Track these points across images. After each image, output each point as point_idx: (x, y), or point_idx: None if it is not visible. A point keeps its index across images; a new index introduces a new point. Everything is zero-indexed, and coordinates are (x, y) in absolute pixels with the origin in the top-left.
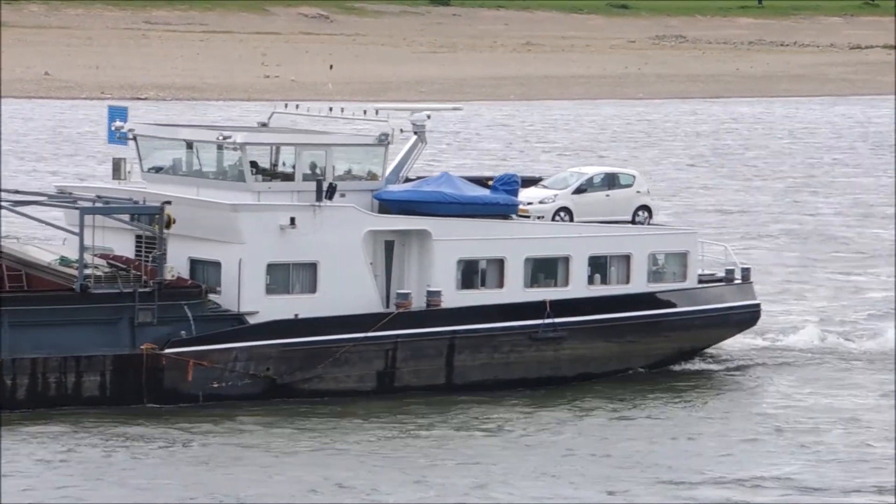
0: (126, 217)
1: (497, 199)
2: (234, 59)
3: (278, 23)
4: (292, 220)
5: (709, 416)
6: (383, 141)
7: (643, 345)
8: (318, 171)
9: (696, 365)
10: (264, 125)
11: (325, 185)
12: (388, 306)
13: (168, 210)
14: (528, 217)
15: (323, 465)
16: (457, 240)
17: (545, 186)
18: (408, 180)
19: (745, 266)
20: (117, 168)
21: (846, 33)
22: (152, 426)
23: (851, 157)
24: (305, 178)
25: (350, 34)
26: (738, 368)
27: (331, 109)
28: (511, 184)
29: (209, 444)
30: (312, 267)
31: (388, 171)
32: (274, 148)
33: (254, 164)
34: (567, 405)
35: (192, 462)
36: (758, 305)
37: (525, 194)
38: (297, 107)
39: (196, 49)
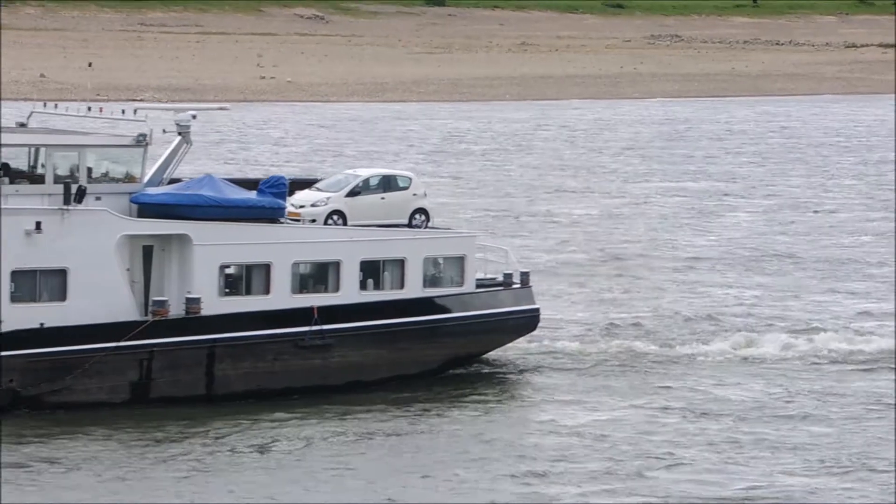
0: None
1: (262, 203)
2: (230, 60)
3: (274, 24)
4: (38, 225)
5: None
6: (141, 142)
7: (417, 351)
8: (59, 172)
9: (472, 370)
10: (23, 125)
11: (74, 188)
12: (146, 314)
13: None
14: (300, 220)
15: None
16: (219, 244)
17: (319, 189)
18: (172, 182)
19: (525, 270)
20: None
21: (841, 32)
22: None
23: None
24: (57, 180)
25: (346, 35)
26: (513, 375)
27: (89, 109)
28: (278, 186)
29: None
30: (62, 273)
31: (150, 173)
32: (33, 150)
33: (5, 165)
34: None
35: None
36: (537, 310)
37: (297, 197)
38: (56, 106)
39: (192, 50)
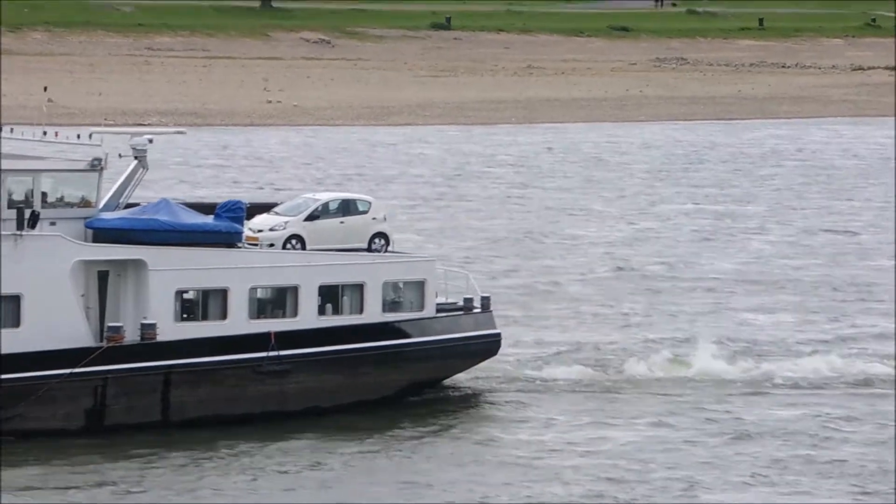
0: None
1: (218, 227)
2: (237, 84)
3: (280, 48)
4: None
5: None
6: (96, 166)
7: (377, 376)
8: (14, 196)
9: (432, 396)
10: None
11: (27, 213)
12: (101, 340)
13: None
14: (258, 245)
15: None
16: (174, 269)
17: (277, 213)
18: (128, 206)
19: (485, 295)
20: None
21: (848, 55)
22: None
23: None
24: (11, 205)
25: (351, 59)
26: (473, 400)
27: (45, 133)
28: (235, 210)
29: None
30: (15, 300)
31: (106, 198)
32: (1, 175)
33: None
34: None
35: None
36: (498, 335)
37: (256, 221)
38: (12, 130)
39: (198, 75)
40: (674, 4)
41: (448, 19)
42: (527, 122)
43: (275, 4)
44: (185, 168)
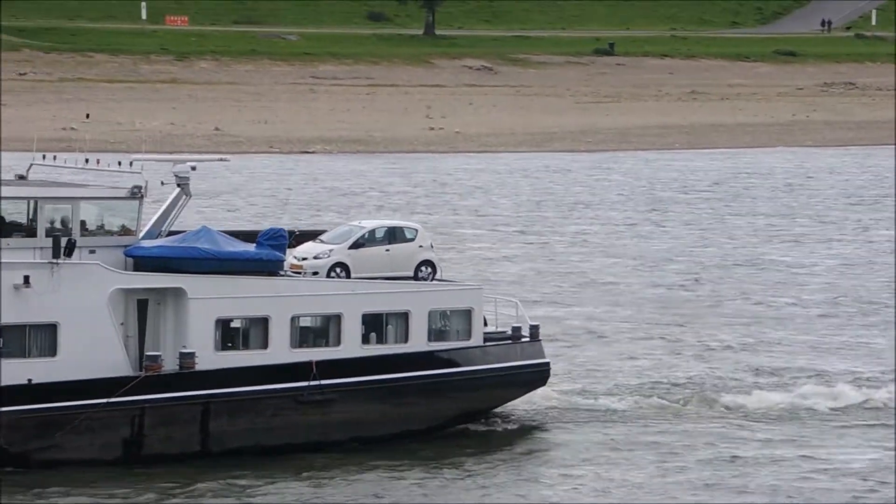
0: None
1: (259, 255)
2: (400, 111)
3: (443, 75)
4: (26, 279)
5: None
6: (136, 194)
7: (422, 406)
8: (60, 225)
9: (480, 427)
10: (22, 177)
11: (63, 241)
12: (140, 370)
13: None
14: (302, 273)
15: None
16: (214, 298)
17: (322, 241)
18: (171, 234)
19: (534, 323)
20: None
21: None
22: None
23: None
24: (50, 233)
25: (514, 85)
26: (521, 431)
27: (87, 161)
28: (277, 238)
29: None
30: (52, 328)
31: (148, 226)
32: (32, 202)
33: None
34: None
35: None
36: (547, 364)
37: (300, 249)
38: (55, 157)
39: (362, 102)
40: (848, 28)
41: (611, 45)
42: (691, 147)
43: (438, 32)
44: (382, 195)
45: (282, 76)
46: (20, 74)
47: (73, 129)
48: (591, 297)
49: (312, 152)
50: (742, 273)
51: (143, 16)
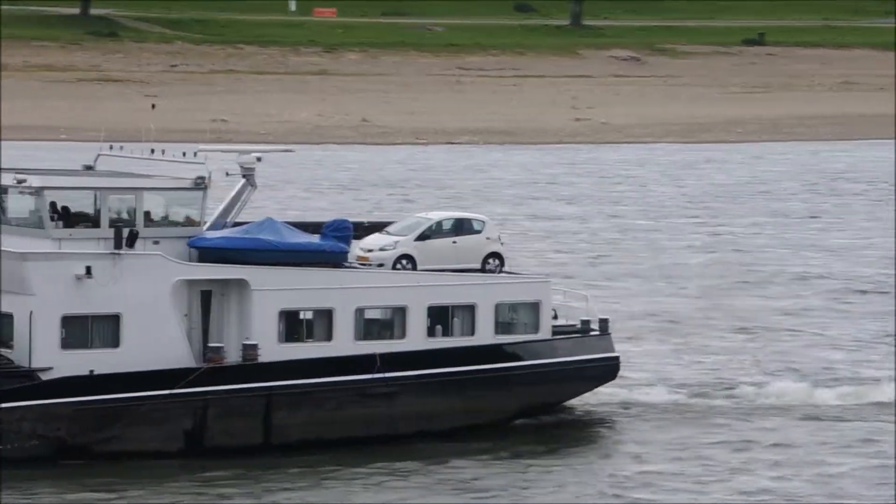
0: None
1: (323, 247)
2: (546, 103)
3: (590, 66)
4: (88, 270)
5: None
6: (200, 185)
7: (488, 400)
8: (125, 216)
9: (547, 420)
10: (90, 168)
11: (125, 232)
12: (203, 361)
13: None
14: (368, 265)
15: None
16: (278, 289)
17: (389, 233)
18: (236, 225)
19: (604, 317)
20: None
21: None
22: None
23: None
24: (113, 224)
25: (662, 75)
26: (590, 425)
27: (153, 151)
28: (342, 230)
29: None
30: (114, 319)
31: (213, 217)
32: (98, 193)
33: (65, 209)
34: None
35: None
36: (616, 358)
37: (367, 241)
38: (122, 148)
39: (508, 93)
40: None
41: (761, 35)
42: (842, 138)
43: (585, 22)
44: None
45: (428, 67)
46: (172, 66)
47: (223, 120)
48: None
49: (458, 143)
50: None
51: (292, 8)
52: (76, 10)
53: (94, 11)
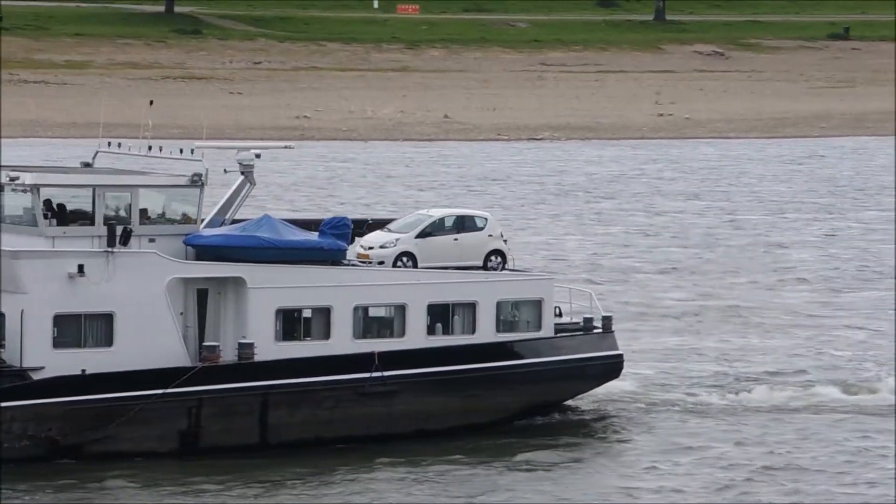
0: None
1: (321, 244)
2: (628, 98)
3: (672, 61)
4: (80, 268)
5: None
6: (196, 182)
7: (489, 399)
8: (122, 213)
9: (551, 419)
10: (88, 165)
11: (118, 230)
12: (199, 360)
13: None
14: (369, 262)
15: None
16: (275, 287)
17: (390, 230)
18: (234, 223)
19: (607, 314)
20: None
21: None
22: None
23: None
24: (107, 221)
25: (745, 70)
26: (593, 423)
27: (150, 148)
28: (340, 227)
29: None
30: (108, 318)
31: (210, 214)
32: (97, 190)
33: (61, 206)
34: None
35: None
36: (620, 356)
37: (367, 238)
38: (120, 145)
39: (591, 89)
40: None
41: (846, 29)
42: None
43: (668, 17)
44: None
45: (510, 63)
46: (255, 63)
47: (306, 117)
48: None
49: (540, 139)
50: None
51: (375, 4)
52: (161, 9)
53: (178, 9)
